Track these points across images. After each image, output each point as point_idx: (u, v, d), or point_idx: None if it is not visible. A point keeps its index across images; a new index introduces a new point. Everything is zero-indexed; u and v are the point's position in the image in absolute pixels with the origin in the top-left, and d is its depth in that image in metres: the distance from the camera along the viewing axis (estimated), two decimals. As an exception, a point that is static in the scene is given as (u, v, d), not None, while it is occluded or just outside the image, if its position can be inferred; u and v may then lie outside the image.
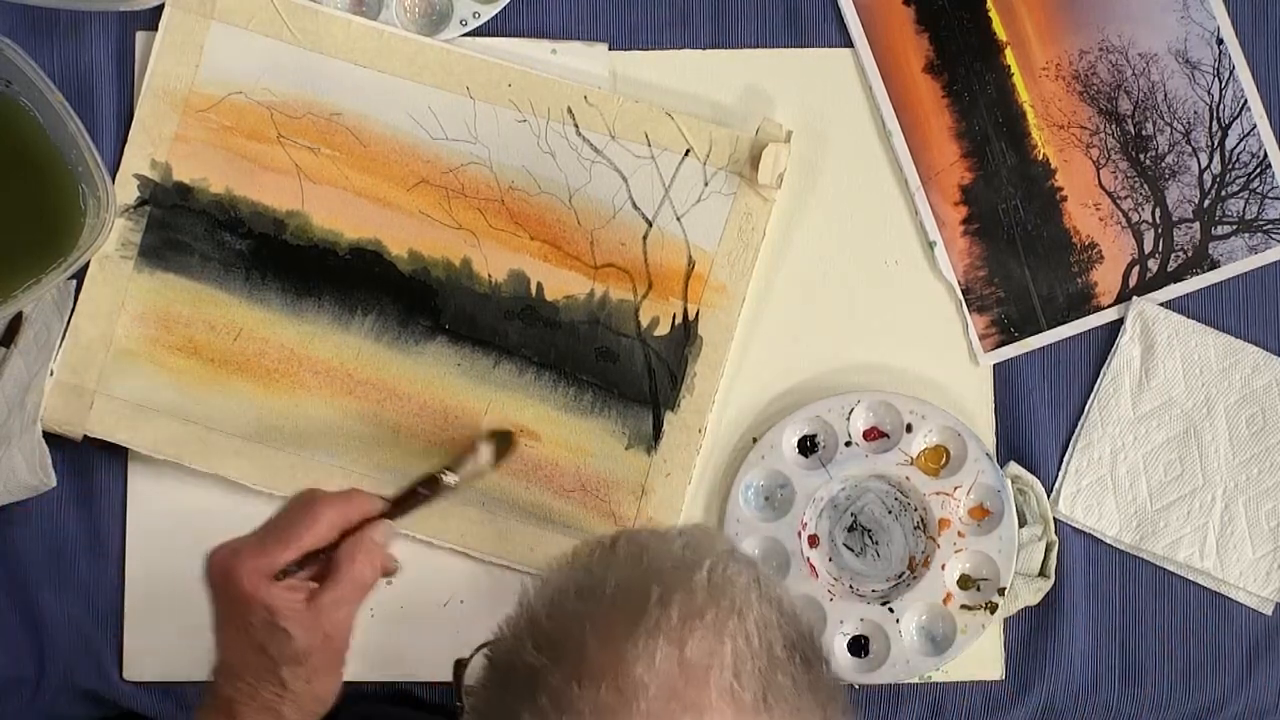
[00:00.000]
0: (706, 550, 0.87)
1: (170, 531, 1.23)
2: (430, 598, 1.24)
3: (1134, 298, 1.25)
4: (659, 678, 0.80)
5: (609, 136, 1.24)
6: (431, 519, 1.23)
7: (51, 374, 1.22)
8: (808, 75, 1.26)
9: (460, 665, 0.94)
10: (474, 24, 1.24)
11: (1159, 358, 1.25)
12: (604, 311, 1.24)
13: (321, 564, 1.03)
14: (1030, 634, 1.25)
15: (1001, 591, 1.22)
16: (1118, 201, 1.25)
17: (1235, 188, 1.26)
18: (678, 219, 1.24)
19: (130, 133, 1.24)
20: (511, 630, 0.87)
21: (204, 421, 1.23)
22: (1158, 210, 1.25)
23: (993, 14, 1.25)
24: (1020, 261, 1.26)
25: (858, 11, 1.25)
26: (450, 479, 1.14)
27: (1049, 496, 1.25)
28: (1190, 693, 1.25)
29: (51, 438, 1.21)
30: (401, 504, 1.11)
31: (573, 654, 0.82)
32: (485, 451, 1.18)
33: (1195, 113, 1.25)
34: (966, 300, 1.25)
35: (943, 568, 1.22)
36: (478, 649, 0.90)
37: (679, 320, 1.24)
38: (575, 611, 0.84)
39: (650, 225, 1.24)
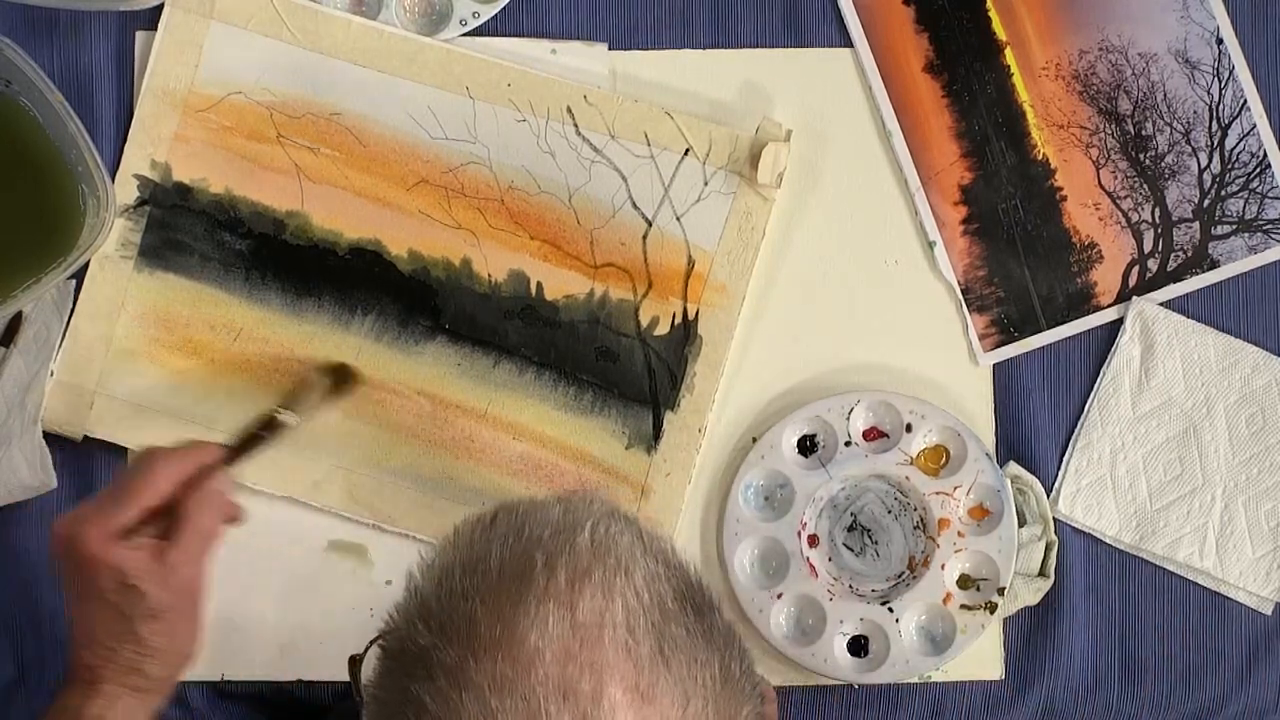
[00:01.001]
0: (585, 513, 0.87)
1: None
2: (430, 597, 1.24)
3: (1134, 298, 1.25)
4: (553, 642, 0.80)
5: (609, 136, 1.24)
6: (431, 518, 1.23)
7: (52, 374, 1.22)
8: (808, 75, 1.26)
9: (355, 661, 0.93)
10: (474, 24, 1.24)
11: (1159, 358, 1.25)
12: (604, 311, 1.24)
13: (167, 520, 1.04)
14: (1030, 634, 1.25)
15: (1001, 591, 1.22)
16: (1117, 201, 1.25)
17: (1235, 188, 1.26)
18: (677, 219, 1.24)
19: (130, 133, 1.24)
20: (403, 616, 0.87)
21: (204, 421, 1.23)
22: (1157, 210, 1.25)
23: (993, 14, 1.25)
24: (1020, 261, 1.26)
25: (858, 11, 1.25)
26: (289, 418, 1.15)
27: (1049, 496, 1.25)
28: (1190, 693, 1.25)
29: (51, 438, 1.21)
30: (240, 450, 1.12)
31: (464, 630, 0.82)
32: (320, 385, 1.19)
33: (1195, 113, 1.25)
34: (966, 300, 1.25)
35: (942, 568, 1.22)
36: (371, 642, 0.90)
37: (679, 320, 1.24)
38: (463, 589, 0.84)
39: (650, 225, 1.24)
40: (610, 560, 0.84)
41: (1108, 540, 1.25)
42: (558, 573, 0.83)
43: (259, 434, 1.14)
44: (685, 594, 0.86)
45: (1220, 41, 1.25)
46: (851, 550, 1.24)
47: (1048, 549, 1.24)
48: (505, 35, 1.25)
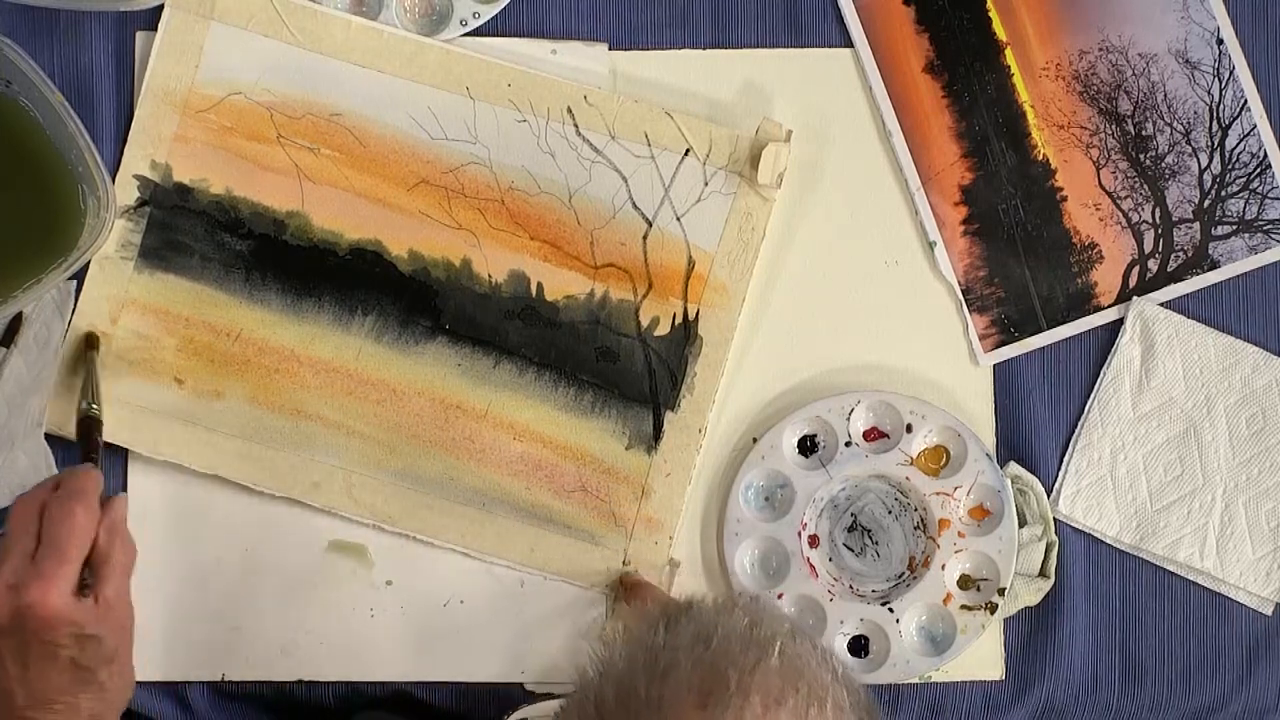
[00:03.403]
0: (771, 628, 0.85)
1: (170, 531, 1.23)
2: (430, 598, 1.24)
3: (1134, 298, 1.25)
4: None
5: (609, 136, 1.24)
6: (431, 519, 1.23)
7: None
8: (808, 75, 1.25)
9: None
10: (474, 24, 1.24)
11: (1159, 358, 1.25)
12: (604, 311, 1.24)
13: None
14: (1030, 634, 1.25)
15: (1001, 592, 1.22)
16: (1118, 201, 1.25)
17: (1235, 188, 1.26)
18: (677, 219, 1.24)
19: (130, 133, 1.24)
20: (577, 716, 0.84)
21: (204, 422, 1.23)
22: (1158, 210, 1.25)
23: (993, 14, 1.25)
24: (1020, 261, 1.26)
25: (858, 11, 1.25)
26: (95, 409, 1.17)
27: (1049, 496, 1.25)
28: (1190, 693, 1.25)
29: (51, 438, 1.21)
30: (96, 460, 1.14)
31: None
32: (88, 358, 1.21)
33: (1195, 113, 1.25)
34: (966, 300, 1.25)
35: (943, 568, 1.22)
36: (517, 716, 0.88)
37: (679, 320, 1.24)
38: (648, 697, 0.81)
39: (650, 225, 1.24)
40: (803, 686, 0.82)
41: (1108, 540, 1.25)
42: (751, 697, 0.81)
43: (92, 436, 1.16)
44: None
45: (1220, 41, 1.25)
46: (852, 550, 1.24)
47: (1048, 549, 1.24)
48: (505, 35, 1.25)
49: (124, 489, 1.23)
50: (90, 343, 1.22)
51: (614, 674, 0.85)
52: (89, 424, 1.17)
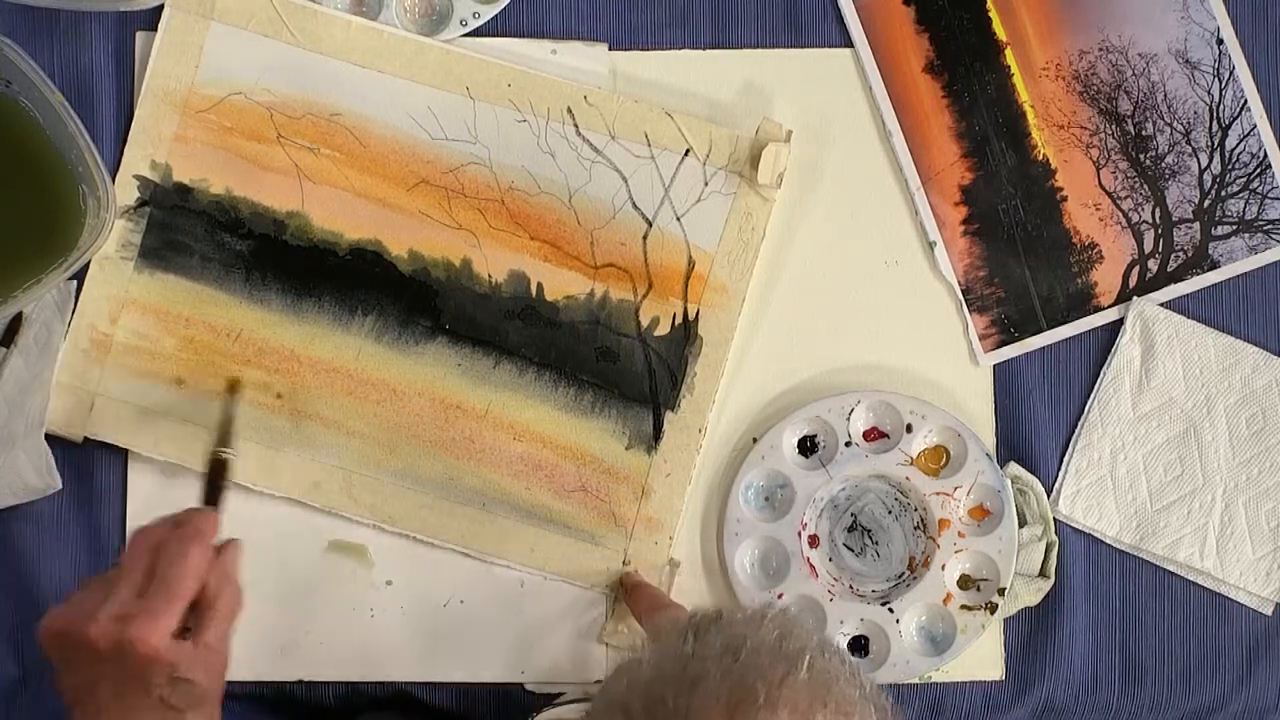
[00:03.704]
0: (800, 641, 0.85)
1: (170, 532, 1.23)
2: (430, 598, 1.24)
3: (1134, 298, 1.25)
4: None
5: (609, 136, 1.24)
6: (431, 519, 1.23)
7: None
8: (808, 75, 1.26)
9: None
10: (474, 24, 1.24)
11: (1159, 358, 1.25)
12: (604, 311, 1.24)
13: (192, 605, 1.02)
14: (1030, 634, 1.25)
15: (1001, 592, 1.22)
16: (1118, 201, 1.25)
17: (1235, 188, 1.26)
18: (678, 219, 1.24)
19: (130, 133, 1.24)
20: None
21: (204, 422, 1.23)
22: (1158, 210, 1.25)
23: (992, 14, 1.25)
24: (1020, 261, 1.26)
25: (858, 11, 1.25)
26: (229, 454, 1.16)
27: (1049, 496, 1.25)
28: (1190, 693, 1.25)
29: (51, 439, 1.21)
30: (216, 502, 1.12)
31: None
32: (227, 403, 1.20)
33: (1195, 113, 1.25)
34: (966, 300, 1.25)
35: (943, 568, 1.22)
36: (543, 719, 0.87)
37: (679, 320, 1.24)
38: (677, 708, 0.81)
39: (650, 225, 1.24)
40: (831, 702, 0.82)
41: (1108, 540, 1.25)
42: (779, 711, 0.81)
43: (219, 483, 1.14)
44: None
45: (1220, 41, 1.25)
46: (852, 550, 1.24)
47: (1048, 549, 1.24)
48: (505, 35, 1.25)
49: (124, 489, 1.23)
50: (232, 387, 1.21)
51: (642, 683, 0.85)
52: (219, 467, 1.15)
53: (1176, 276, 1.26)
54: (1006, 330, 1.25)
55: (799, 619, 0.89)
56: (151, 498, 1.23)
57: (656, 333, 1.24)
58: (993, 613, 1.22)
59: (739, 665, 0.83)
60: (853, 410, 1.23)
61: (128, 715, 1.00)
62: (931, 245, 1.25)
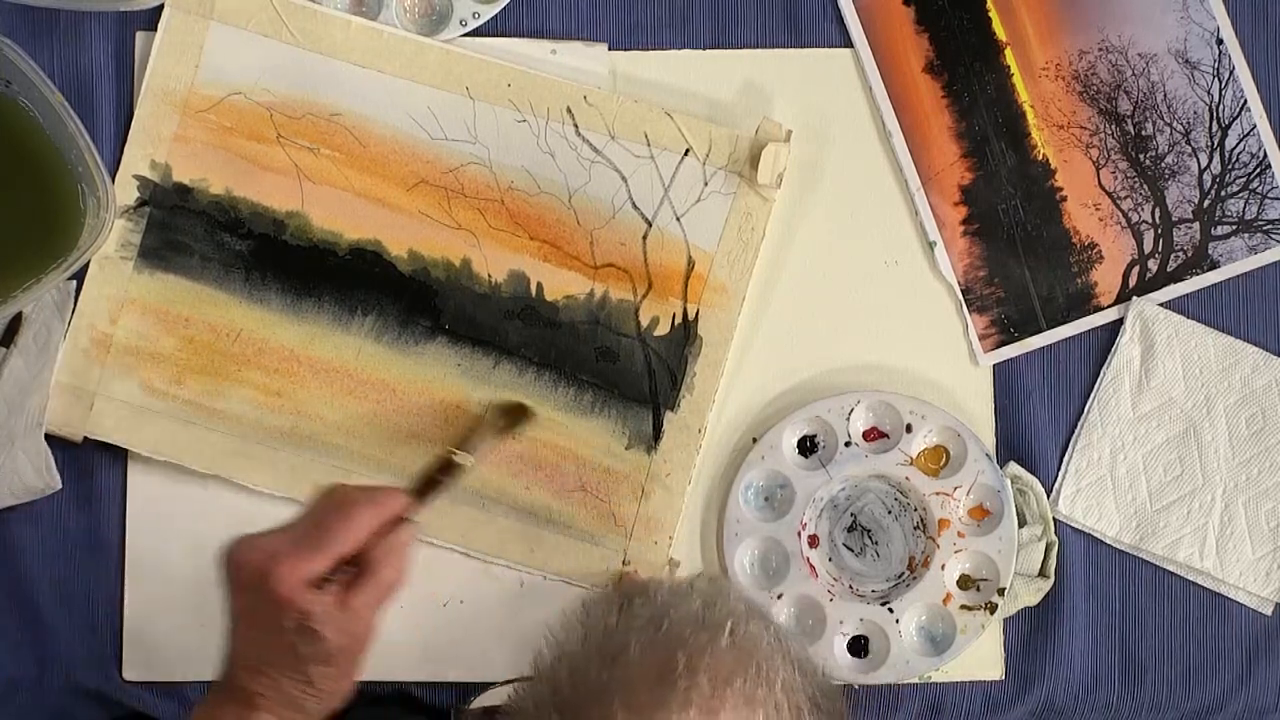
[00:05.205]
0: (725, 609, 0.85)
1: (170, 531, 1.23)
2: (430, 598, 1.24)
3: (1134, 298, 1.25)
4: None
5: (608, 136, 1.24)
6: (431, 519, 1.23)
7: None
8: (808, 75, 1.26)
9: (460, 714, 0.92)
10: (474, 24, 1.24)
11: (1159, 358, 1.25)
12: (604, 311, 1.24)
13: (351, 564, 1.03)
14: (1030, 634, 1.25)
15: (1001, 592, 1.22)
16: (1118, 201, 1.25)
17: (1235, 188, 1.26)
18: (677, 219, 1.24)
19: (130, 133, 1.24)
20: (533, 700, 0.85)
21: (204, 422, 1.23)
22: (1157, 210, 1.25)
23: (992, 14, 1.25)
24: (1020, 261, 1.26)
25: (857, 11, 1.25)
26: (464, 459, 1.14)
27: (1049, 496, 1.25)
28: (1190, 693, 1.25)
29: (51, 439, 1.21)
30: (424, 495, 1.11)
31: None
32: (495, 424, 1.19)
33: (1195, 113, 1.25)
34: (966, 300, 1.25)
35: (942, 568, 1.22)
36: (473, 703, 0.88)
37: (679, 320, 1.24)
38: (600, 681, 0.82)
39: (650, 225, 1.24)
40: (752, 667, 0.82)
41: (1108, 540, 1.25)
42: (700, 677, 0.81)
43: (438, 478, 1.13)
44: (819, 702, 0.84)
45: (1220, 41, 1.25)
46: (851, 550, 1.24)
47: (1048, 549, 1.24)
48: (505, 35, 1.25)
49: (124, 489, 1.23)
50: (522, 413, 1.21)
51: (568, 657, 0.86)
52: (447, 466, 1.14)
53: (1176, 276, 1.26)
54: (1006, 330, 1.25)
55: (726, 587, 0.89)
56: (151, 498, 1.23)
57: (656, 333, 1.24)
58: (992, 613, 1.22)
59: (661, 636, 0.84)
60: (852, 410, 1.23)
61: (260, 651, 1.01)
62: (931, 245, 1.25)
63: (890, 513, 1.24)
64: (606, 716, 0.80)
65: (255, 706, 1.00)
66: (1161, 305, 1.25)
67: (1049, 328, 1.25)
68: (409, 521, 1.06)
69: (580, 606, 0.88)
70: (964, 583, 1.23)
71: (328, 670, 1.01)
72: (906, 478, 1.23)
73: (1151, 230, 1.25)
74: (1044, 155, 1.25)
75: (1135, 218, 1.25)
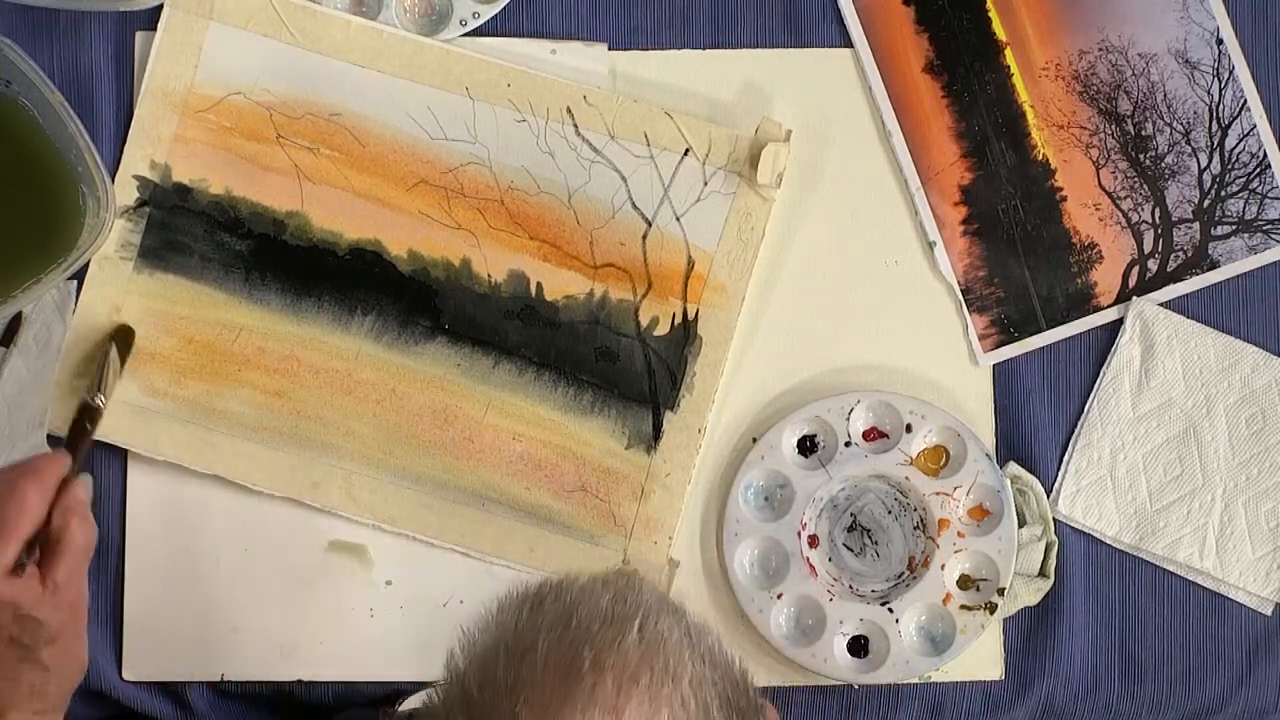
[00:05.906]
0: (634, 604, 0.84)
1: (170, 531, 1.23)
2: (430, 598, 1.24)
3: (1134, 298, 1.25)
4: None
5: (608, 136, 1.24)
6: (431, 519, 1.23)
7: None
8: (808, 75, 1.26)
9: (386, 715, 0.91)
10: (474, 24, 1.24)
11: (1159, 358, 1.25)
12: (604, 311, 1.24)
13: (38, 540, 1.03)
14: (1030, 634, 1.25)
15: (1001, 592, 1.22)
16: (1117, 201, 1.25)
17: (1235, 188, 1.25)
18: (677, 219, 1.24)
19: (130, 133, 1.24)
20: (443, 702, 0.84)
21: (204, 422, 1.23)
22: (1157, 210, 1.25)
23: (992, 14, 1.25)
24: (1020, 261, 1.26)
25: (857, 11, 1.25)
26: (99, 400, 1.17)
27: (1049, 496, 1.25)
28: (1190, 693, 1.25)
29: (51, 439, 1.21)
30: (77, 447, 1.13)
31: None
32: (115, 357, 1.20)
33: (1195, 113, 1.25)
34: (966, 300, 1.25)
35: (942, 568, 1.22)
36: (400, 705, 0.87)
37: (679, 320, 1.24)
38: (507, 683, 0.81)
39: (650, 225, 1.24)
40: (659, 663, 0.81)
41: (1108, 540, 1.25)
42: (605, 675, 0.80)
43: (84, 426, 1.15)
44: (731, 699, 0.83)
45: (1220, 41, 1.25)
46: (851, 550, 1.24)
47: (1048, 549, 1.24)
48: (505, 35, 1.25)
49: (124, 489, 1.23)
50: (116, 335, 1.22)
51: (478, 657, 0.84)
52: (86, 412, 1.17)
53: (1176, 276, 1.26)
54: (1006, 330, 1.25)
55: (639, 582, 0.88)
56: (151, 498, 1.23)
57: (656, 332, 1.24)
58: (992, 613, 1.22)
59: (568, 633, 0.82)
60: (852, 410, 1.23)
61: None
62: (931, 245, 1.25)
63: (890, 513, 1.24)
64: (512, 716, 0.79)
65: (1, 713, 0.99)
66: (1161, 305, 1.25)
67: (1049, 328, 1.25)
68: (75, 477, 1.07)
69: (495, 604, 0.87)
70: (964, 583, 1.23)
71: (55, 649, 1.01)
72: (906, 478, 1.23)
73: (1151, 230, 1.25)
74: (1044, 155, 1.25)
75: (1135, 218, 1.25)
